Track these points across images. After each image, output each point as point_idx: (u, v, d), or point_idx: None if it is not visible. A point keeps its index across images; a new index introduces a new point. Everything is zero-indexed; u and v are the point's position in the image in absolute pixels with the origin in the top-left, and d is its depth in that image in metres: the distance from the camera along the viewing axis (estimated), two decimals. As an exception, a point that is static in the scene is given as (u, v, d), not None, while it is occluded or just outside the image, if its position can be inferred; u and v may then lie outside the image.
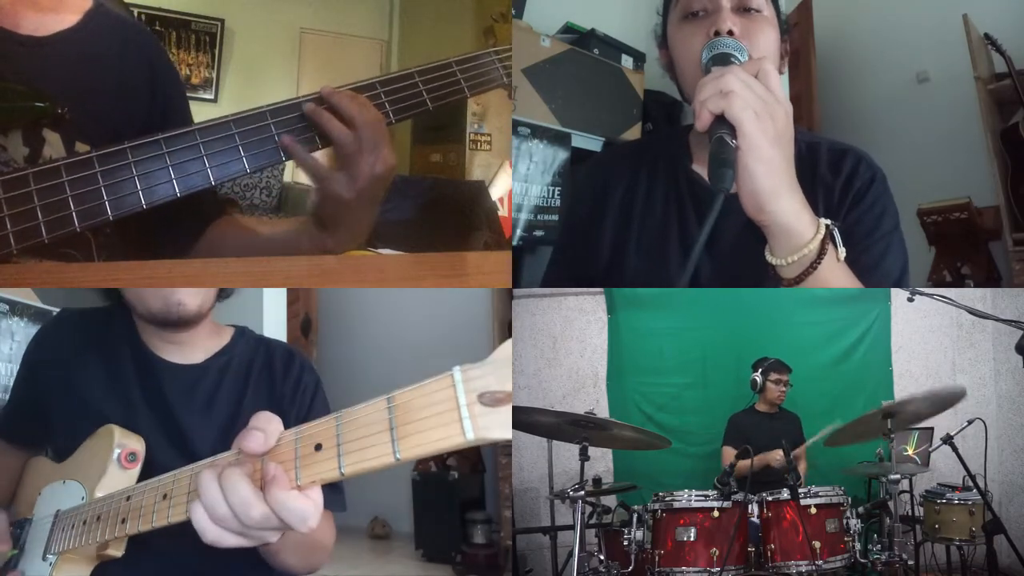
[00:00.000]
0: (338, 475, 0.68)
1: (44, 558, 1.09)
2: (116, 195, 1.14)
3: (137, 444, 1.14)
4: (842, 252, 1.00)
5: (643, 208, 1.31)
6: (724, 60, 1.07)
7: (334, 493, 1.23)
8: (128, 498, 0.94)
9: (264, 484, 0.71)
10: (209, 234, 1.42)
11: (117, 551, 1.03)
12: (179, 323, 1.21)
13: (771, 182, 0.95)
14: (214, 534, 0.73)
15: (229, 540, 0.74)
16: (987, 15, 3.06)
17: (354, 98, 1.27)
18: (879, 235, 1.17)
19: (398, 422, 0.64)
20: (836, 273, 1.00)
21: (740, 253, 1.15)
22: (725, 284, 1.23)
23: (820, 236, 0.98)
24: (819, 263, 0.98)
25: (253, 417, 0.75)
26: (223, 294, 1.28)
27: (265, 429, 0.73)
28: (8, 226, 1.08)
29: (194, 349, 1.27)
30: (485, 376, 0.61)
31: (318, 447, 0.70)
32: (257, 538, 0.74)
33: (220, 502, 0.72)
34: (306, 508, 0.70)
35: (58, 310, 1.41)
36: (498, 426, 0.60)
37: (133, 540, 0.96)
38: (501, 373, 0.61)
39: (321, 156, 1.30)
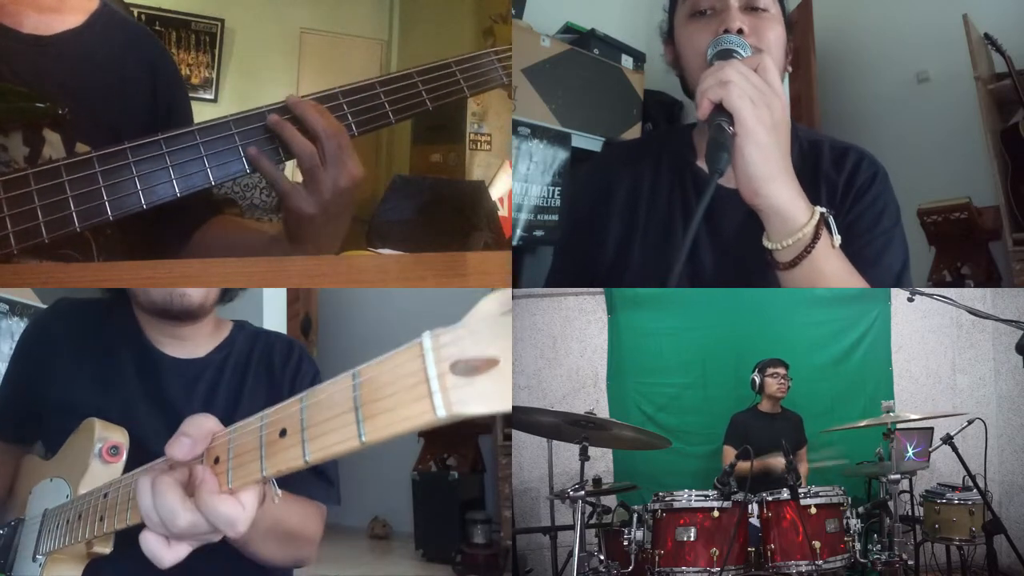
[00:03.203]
0: (303, 463, 0.61)
1: (34, 559, 1.06)
2: (116, 195, 1.15)
3: (120, 436, 1.09)
4: (837, 239, 1.03)
5: (648, 205, 1.32)
6: (727, 56, 1.09)
7: (325, 486, 1.22)
8: (105, 495, 0.91)
9: (194, 488, 0.70)
10: (198, 236, 1.42)
11: (104, 548, 1.00)
12: (181, 315, 1.19)
13: (766, 167, 0.98)
14: (161, 554, 0.73)
15: (168, 557, 0.73)
16: (987, 15, 3.06)
17: (317, 108, 1.25)
18: (880, 231, 1.19)
19: (364, 400, 0.57)
20: (831, 260, 1.03)
21: (745, 247, 1.15)
22: (731, 278, 1.24)
23: (815, 221, 1.01)
24: (813, 247, 1.01)
25: (184, 422, 0.73)
26: (226, 296, 1.27)
27: (193, 435, 0.72)
28: (8, 226, 1.08)
29: (196, 344, 1.26)
30: (460, 341, 0.52)
31: (283, 433, 0.63)
32: (198, 540, 0.74)
33: (152, 510, 0.72)
34: (233, 512, 0.69)
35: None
36: (475, 399, 0.51)
37: (122, 536, 0.95)
38: (479, 335, 0.52)
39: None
